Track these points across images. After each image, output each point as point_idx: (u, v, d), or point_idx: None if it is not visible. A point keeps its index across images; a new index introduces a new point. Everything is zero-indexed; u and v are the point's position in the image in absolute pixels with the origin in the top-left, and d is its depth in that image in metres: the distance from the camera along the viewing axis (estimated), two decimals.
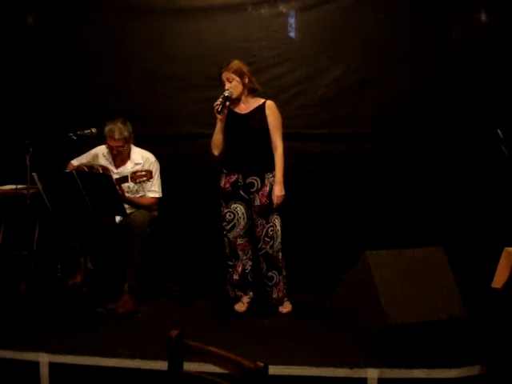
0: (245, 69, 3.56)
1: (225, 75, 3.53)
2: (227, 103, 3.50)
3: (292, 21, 4.33)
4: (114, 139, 3.74)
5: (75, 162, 3.95)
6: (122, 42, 4.37)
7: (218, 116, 3.51)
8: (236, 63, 3.54)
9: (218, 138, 3.60)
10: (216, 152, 3.64)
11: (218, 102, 3.47)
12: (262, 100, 3.62)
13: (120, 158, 3.88)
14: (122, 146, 3.79)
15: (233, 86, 3.52)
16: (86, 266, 3.61)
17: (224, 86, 3.53)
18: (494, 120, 3.88)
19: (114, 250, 3.91)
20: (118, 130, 3.73)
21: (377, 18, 4.19)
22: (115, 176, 3.66)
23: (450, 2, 4.16)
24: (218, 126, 3.56)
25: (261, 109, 3.58)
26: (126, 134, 3.77)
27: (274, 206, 3.57)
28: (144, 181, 3.56)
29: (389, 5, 4.20)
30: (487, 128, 3.77)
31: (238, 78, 3.52)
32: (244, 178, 3.60)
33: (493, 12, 4.15)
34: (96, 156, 3.96)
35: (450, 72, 4.18)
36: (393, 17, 4.19)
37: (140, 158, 3.91)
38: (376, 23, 4.20)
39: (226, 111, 3.52)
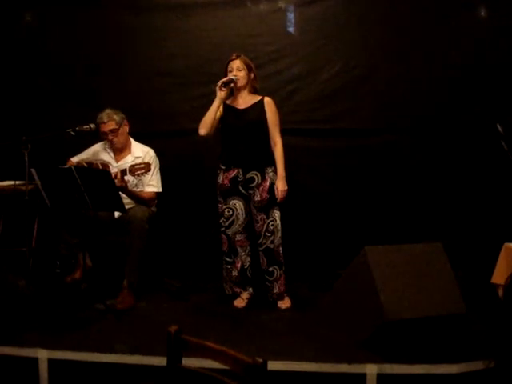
0: (253, 65, 3.64)
1: (235, 63, 3.56)
2: (231, 84, 3.53)
3: (291, 16, 4.32)
4: (105, 123, 3.77)
5: (75, 159, 3.95)
6: (121, 38, 4.37)
7: (220, 92, 3.50)
8: (246, 57, 3.62)
9: (211, 116, 3.55)
10: (203, 131, 3.56)
11: (225, 79, 3.51)
12: (260, 96, 3.64)
13: (120, 147, 3.88)
14: (115, 131, 3.79)
15: (241, 75, 3.55)
16: (84, 262, 3.61)
17: (229, 74, 3.55)
18: (494, 115, 3.87)
19: (112, 246, 3.91)
20: (106, 114, 3.79)
21: (376, 13, 4.18)
22: (115, 169, 3.67)
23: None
24: (216, 103, 3.54)
25: (259, 104, 3.60)
26: (114, 116, 3.80)
27: (278, 200, 3.58)
28: (142, 173, 3.54)
29: (388, 0, 4.19)
30: (487, 123, 3.76)
31: (246, 70, 3.58)
32: (244, 173, 3.60)
33: (493, 11, 4.14)
34: (97, 152, 3.97)
35: (449, 68, 4.17)
36: (392, 12, 4.18)
37: (140, 151, 3.91)
38: (376, 18, 4.19)
39: (228, 91, 3.54)
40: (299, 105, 4.30)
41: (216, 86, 3.50)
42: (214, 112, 3.54)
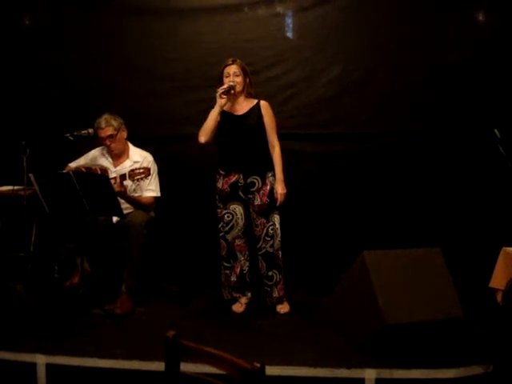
0: (248, 70, 3.62)
1: (233, 68, 3.54)
2: (232, 91, 3.51)
3: (289, 21, 4.34)
4: (102, 128, 3.77)
5: (73, 165, 3.95)
6: (119, 42, 4.37)
7: (220, 100, 3.48)
8: (242, 62, 3.60)
9: (211, 124, 3.53)
10: (203, 139, 3.54)
11: (225, 87, 3.48)
12: (255, 100, 3.63)
13: (117, 153, 3.88)
14: (113, 136, 3.79)
15: (238, 80, 3.54)
16: (82, 267, 3.60)
17: (225, 79, 3.54)
18: (492, 120, 3.87)
19: (111, 251, 3.90)
20: (104, 119, 3.78)
21: (375, 17, 4.19)
22: (113, 175, 3.67)
23: (450, 1, 4.16)
24: (216, 111, 3.52)
25: (256, 108, 3.60)
26: (112, 122, 3.79)
27: (278, 204, 3.58)
28: (142, 178, 3.54)
29: (387, 5, 4.20)
30: (485, 128, 3.76)
31: (243, 75, 3.56)
32: (245, 178, 3.60)
33: (492, 12, 4.15)
34: (95, 157, 3.96)
35: (447, 72, 4.17)
36: (391, 16, 4.19)
37: (138, 156, 3.91)
38: (374, 23, 4.20)
39: (227, 99, 3.51)
40: (298, 109, 4.30)
41: (216, 93, 3.49)
42: (214, 120, 3.53)
